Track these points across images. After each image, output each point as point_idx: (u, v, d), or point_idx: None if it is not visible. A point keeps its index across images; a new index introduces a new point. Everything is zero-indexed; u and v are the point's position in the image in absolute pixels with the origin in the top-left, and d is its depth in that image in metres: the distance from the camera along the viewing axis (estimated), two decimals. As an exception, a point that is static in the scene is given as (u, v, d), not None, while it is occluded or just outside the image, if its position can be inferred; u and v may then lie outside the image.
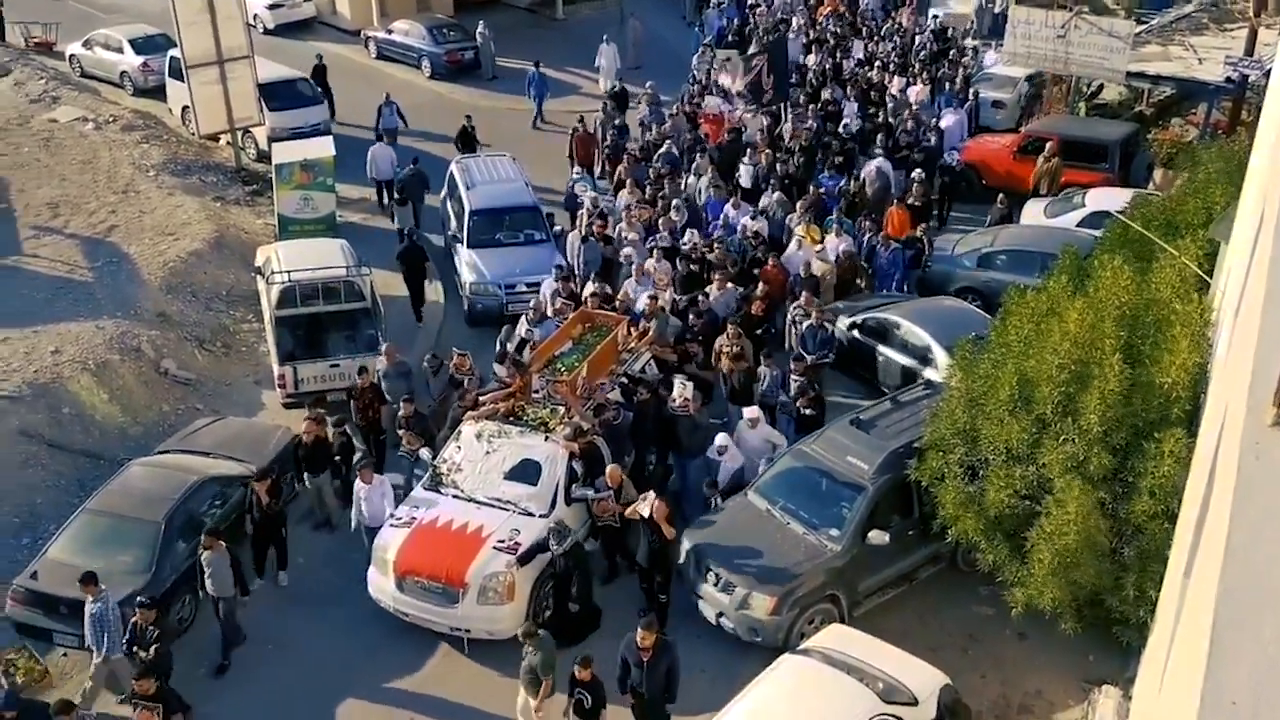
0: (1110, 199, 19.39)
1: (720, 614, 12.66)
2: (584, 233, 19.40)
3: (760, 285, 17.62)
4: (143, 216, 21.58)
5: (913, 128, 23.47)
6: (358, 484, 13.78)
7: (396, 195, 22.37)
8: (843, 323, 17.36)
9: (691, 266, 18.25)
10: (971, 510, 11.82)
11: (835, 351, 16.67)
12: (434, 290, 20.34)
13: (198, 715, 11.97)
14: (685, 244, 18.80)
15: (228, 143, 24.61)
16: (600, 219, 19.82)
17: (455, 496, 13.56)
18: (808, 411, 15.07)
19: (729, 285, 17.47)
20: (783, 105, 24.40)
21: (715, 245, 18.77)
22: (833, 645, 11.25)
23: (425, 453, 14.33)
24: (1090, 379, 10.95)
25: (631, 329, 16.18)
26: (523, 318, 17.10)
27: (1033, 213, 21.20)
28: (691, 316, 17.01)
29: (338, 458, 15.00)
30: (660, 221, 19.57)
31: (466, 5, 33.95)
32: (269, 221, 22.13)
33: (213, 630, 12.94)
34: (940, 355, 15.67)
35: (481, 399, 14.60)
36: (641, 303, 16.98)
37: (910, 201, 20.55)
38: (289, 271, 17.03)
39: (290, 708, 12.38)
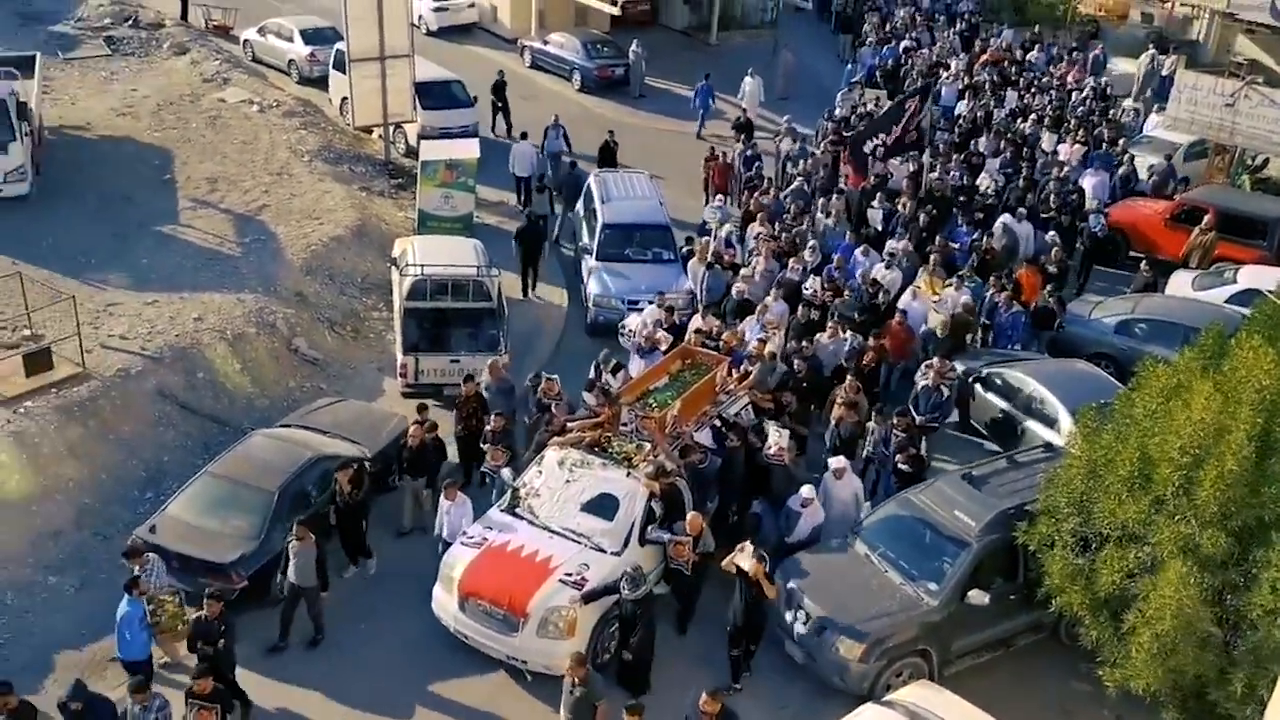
0: (1264, 277, 18.58)
1: (807, 654, 12.48)
2: (710, 259, 19.35)
3: (879, 338, 17.03)
4: (292, 199, 22.46)
5: (1058, 188, 22.71)
6: (442, 499, 13.72)
7: (553, 190, 23.09)
8: (961, 370, 17.02)
9: (812, 314, 17.74)
10: (1079, 584, 11.40)
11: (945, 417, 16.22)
12: (559, 296, 20.66)
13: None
14: (808, 290, 18.41)
15: (379, 136, 25.43)
16: (729, 247, 19.76)
17: (530, 522, 13.24)
18: (905, 468, 14.60)
19: (843, 334, 17.07)
20: (928, 152, 23.93)
21: (841, 290, 18.36)
22: (918, 701, 10.98)
23: (507, 473, 14.15)
24: (1211, 459, 10.46)
25: (733, 370, 15.66)
26: (630, 343, 17.03)
27: (1180, 284, 20.41)
28: (796, 362, 16.46)
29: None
30: (791, 261, 19.34)
31: (624, 23, 34.44)
32: (409, 215, 22.79)
33: (270, 616, 12.92)
34: (1065, 419, 15.21)
35: (570, 425, 14.29)
36: (751, 344, 16.61)
37: (1045, 265, 19.87)
38: (422, 265, 17.49)
39: (333, 712, 12.24)
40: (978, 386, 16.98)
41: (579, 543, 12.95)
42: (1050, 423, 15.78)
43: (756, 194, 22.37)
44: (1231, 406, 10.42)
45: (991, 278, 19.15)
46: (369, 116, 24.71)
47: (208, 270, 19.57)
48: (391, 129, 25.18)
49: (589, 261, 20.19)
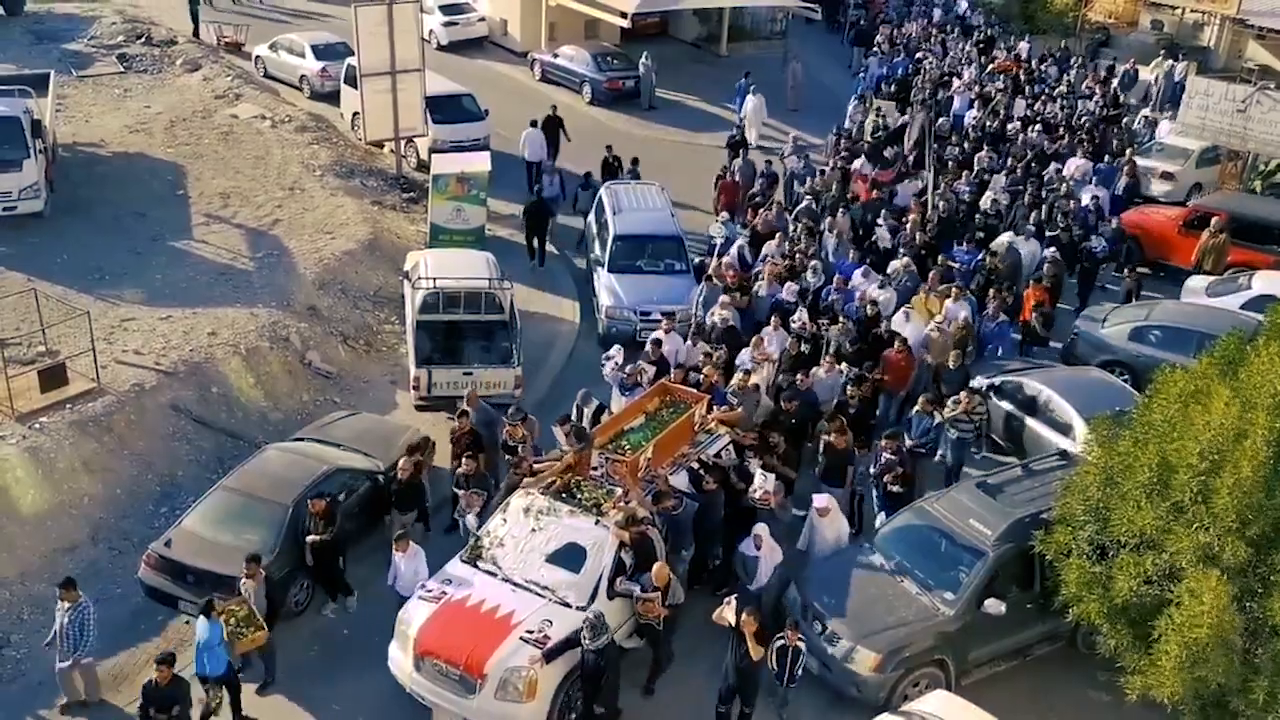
0: (1278, 283, 18.48)
1: (823, 664, 12.42)
2: (712, 275, 19.02)
3: (878, 372, 16.58)
4: (305, 214, 22.56)
5: (1062, 205, 22.27)
6: (394, 552, 12.92)
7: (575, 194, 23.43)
8: (979, 382, 16.95)
9: (802, 348, 16.99)
10: (1096, 592, 11.32)
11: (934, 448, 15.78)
12: (571, 309, 20.69)
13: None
14: (795, 322, 17.66)
15: (391, 150, 25.53)
16: (742, 267, 19.58)
17: (492, 575, 12.42)
18: (895, 488, 14.30)
19: (839, 367, 16.54)
20: (932, 170, 23.36)
21: (836, 318, 17.74)
22: (935, 711, 10.92)
23: (470, 519, 13.50)
24: (1228, 465, 10.38)
25: (714, 407, 14.87)
26: (612, 376, 16.38)
27: (1194, 290, 20.33)
28: (784, 401, 15.65)
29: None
30: (787, 284, 18.70)
31: (634, 35, 34.54)
32: (421, 229, 22.86)
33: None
34: (1079, 427, 15.14)
35: (538, 466, 13.40)
36: (736, 376, 15.92)
37: (1042, 281, 19.46)
38: (435, 278, 17.54)
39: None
40: (991, 395, 16.94)
41: (543, 597, 12.16)
42: (1065, 430, 15.71)
43: (762, 211, 22.04)
44: (1249, 412, 10.36)
45: (991, 290, 18.83)
46: (380, 131, 24.80)
47: (221, 285, 19.65)
48: (403, 143, 25.28)
49: (600, 273, 20.21)
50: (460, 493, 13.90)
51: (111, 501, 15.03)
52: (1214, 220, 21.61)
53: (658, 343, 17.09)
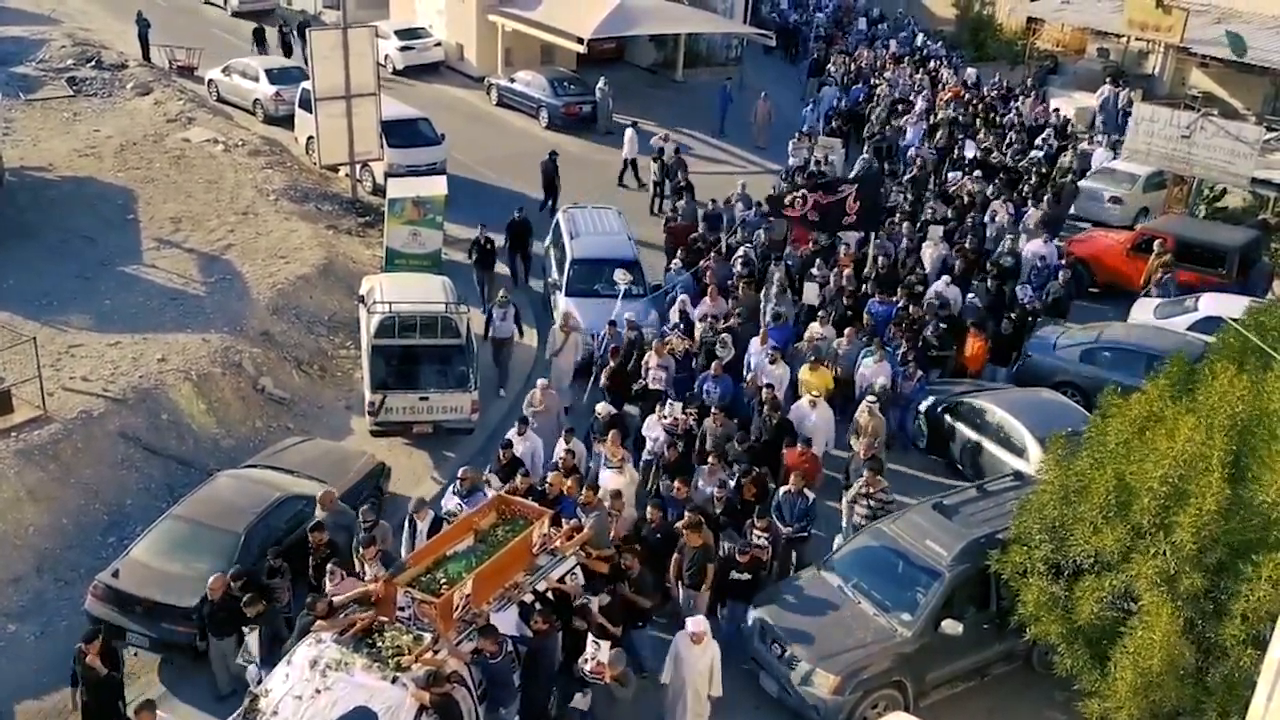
0: (1224, 305, 18.82)
1: (782, 688, 12.39)
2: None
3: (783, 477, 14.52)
4: (258, 238, 22.34)
5: (1007, 259, 21.20)
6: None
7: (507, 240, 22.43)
8: (928, 404, 17.07)
9: (677, 442, 14.91)
10: (1054, 613, 11.40)
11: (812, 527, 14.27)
12: (529, 335, 20.59)
13: None
14: (666, 419, 15.44)
15: (346, 174, 25.40)
16: (684, 332, 18.07)
17: None
18: (738, 575, 12.89)
19: (721, 469, 14.42)
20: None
21: (712, 413, 15.42)
22: (894, 733, 10.92)
23: (252, 671, 11.51)
24: (1189, 495, 10.51)
25: (562, 522, 12.66)
26: (450, 488, 14.22)
27: (1142, 312, 20.66)
28: (650, 510, 13.47)
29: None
30: (663, 366, 16.46)
31: (590, 61, 34.70)
32: (377, 253, 22.71)
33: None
34: (1033, 447, 15.29)
35: (336, 601, 11.10)
36: (604, 478, 13.93)
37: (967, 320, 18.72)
38: (390, 302, 17.41)
39: None
40: (946, 416, 17.07)
41: None
42: (1018, 451, 15.86)
43: (709, 258, 20.66)
44: (1211, 436, 10.49)
45: (904, 340, 17.88)
46: (335, 155, 24.68)
47: (172, 310, 19.39)
48: (358, 167, 25.16)
49: (558, 298, 20.16)
50: (246, 631, 11.71)
51: (58, 531, 14.69)
52: (1155, 243, 22.06)
53: (508, 444, 14.78)
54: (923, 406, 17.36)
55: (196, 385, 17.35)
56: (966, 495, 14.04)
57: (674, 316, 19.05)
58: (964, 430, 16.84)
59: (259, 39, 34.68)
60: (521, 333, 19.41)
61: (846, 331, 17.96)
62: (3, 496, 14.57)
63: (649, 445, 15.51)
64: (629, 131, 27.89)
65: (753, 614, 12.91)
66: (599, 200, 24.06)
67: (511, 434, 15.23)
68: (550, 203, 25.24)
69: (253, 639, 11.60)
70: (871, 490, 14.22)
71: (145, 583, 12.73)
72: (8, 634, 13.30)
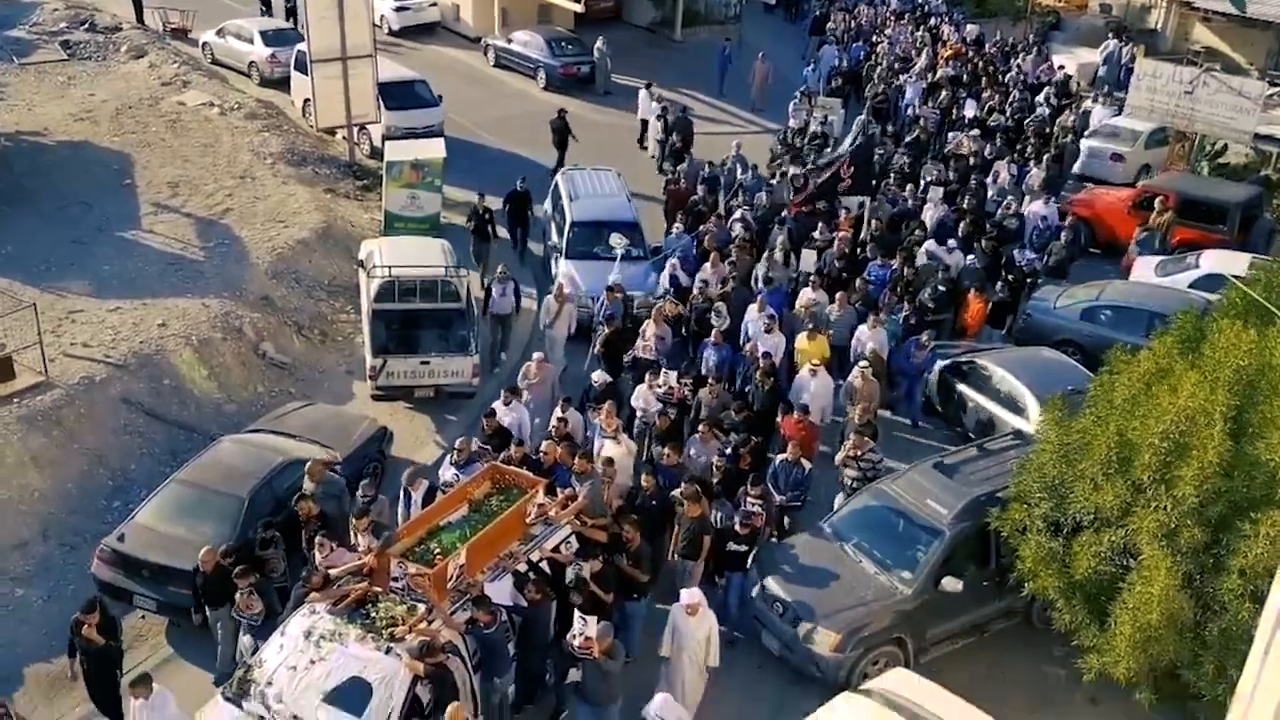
0: (1226, 262, 18.80)
1: (784, 645, 12.50)
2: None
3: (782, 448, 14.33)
4: (256, 202, 22.25)
5: (1011, 221, 21.26)
6: (131, 699, 10.45)
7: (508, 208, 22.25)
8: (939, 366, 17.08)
9: (669, 410, 14.83)
10: (1052, 568, 11.49)
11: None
12: (528, 307, 20.46)
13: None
14: (660, 387, 15.32)
15: (344, 137, 25.24)
16: (677, 298, 17.82)
17: (260, 718, 10.27)
18: (735, 546, 12.78)
19: (715, 438, 14.26)
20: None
21: (709, 383, 15.31)
22: (894, 689, 10.99)
23: (246, 640, 11.34)
24: (1191, 450, 10.54)
25: (556, 491, 12.52)
26: (447, 459, 13.95)
27: (1143, 270, 20.62)
28: (644, 478, 13.30)
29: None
30: (651, 338, 16.05)
31: (587, 21, 34.38)
32: (375, 217, 22.64)
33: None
34: (1033, 406, 15.33)
35: (333, 574, 11.04)
36: (600, 444, 13.77)
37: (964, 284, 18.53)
38: (389, 266, 17.38)
39: None
40: (947, 376, 17.10)
41: None
42: (1019, 410, 15.89)
43: (708, 222, 20.58)
44: (1213, 392, 10.50)
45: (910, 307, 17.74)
46: (332, 118, 24.51)
47: (171, 275, 19.34)
48: (355, 130, 25.00)
49: (559, 261, 20.11)
50: (240, 598, 11.51)
51: (62, 496, 14.76)
52: (1157, 200, 21.97)
53: (491, 414, 14.57)
54: (934, 370, 17.23)
55: (197, 350, 17.36)
56: (967, 454, 14.10)
57: (664, 281, 18.86)
58: (970, 393, 16.82)
59: (266, 1, 34.38)
60: (519, 309, 19.10)
61: (839, 297, 17.72)
62: (7, 462, 14.63)
63: (639, 415, 15.45)
64: (642, 93, 27.67)
65: (754, 572, 13.00)
66: (606, 161, 23.88)
67: (497, 404, 15.04)
68: (563, 161, 24.98)
69: (246, 639, 11.42)
70: (859, 453, 14.18)
71: (151, 546, 12.82)
72: (15, 598, 13.40)
